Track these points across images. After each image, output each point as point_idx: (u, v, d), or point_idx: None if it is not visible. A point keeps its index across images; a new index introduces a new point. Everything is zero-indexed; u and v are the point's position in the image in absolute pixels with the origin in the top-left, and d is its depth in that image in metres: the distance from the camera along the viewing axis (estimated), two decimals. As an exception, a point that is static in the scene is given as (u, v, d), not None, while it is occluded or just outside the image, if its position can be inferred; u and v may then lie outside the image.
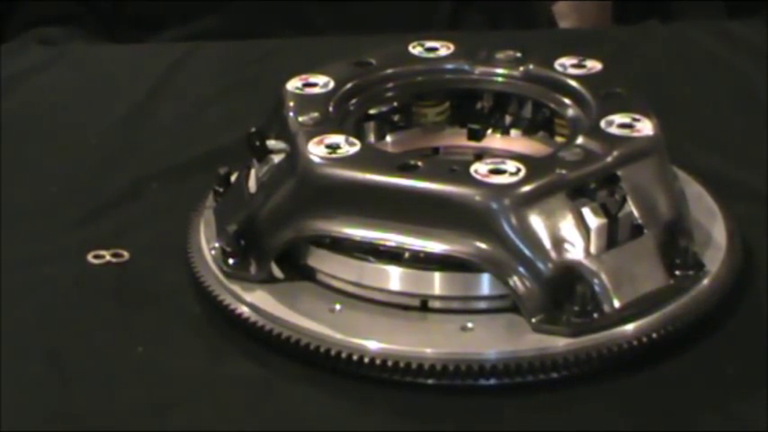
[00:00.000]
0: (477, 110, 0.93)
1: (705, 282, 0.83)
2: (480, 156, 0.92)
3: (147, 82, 1.11)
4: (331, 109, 0.87)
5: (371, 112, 0.92)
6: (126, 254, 0.89)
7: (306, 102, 0.88)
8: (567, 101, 0.90)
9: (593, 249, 0.80)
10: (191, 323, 0.84)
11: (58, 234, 0.92)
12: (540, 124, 0.92)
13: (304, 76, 0.90)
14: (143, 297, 0.86)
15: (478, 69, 0.92)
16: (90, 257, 0.89)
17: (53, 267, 0.89)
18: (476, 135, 0.93)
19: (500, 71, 0.92)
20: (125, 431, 0.76)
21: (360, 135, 0.87)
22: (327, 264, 0.83)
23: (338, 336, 0.80)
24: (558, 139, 0.91)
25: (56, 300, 0.86)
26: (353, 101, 0.90)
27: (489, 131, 0.93)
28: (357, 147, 0.83)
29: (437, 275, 0.81)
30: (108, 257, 0.89)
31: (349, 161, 0.82)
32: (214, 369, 0.81)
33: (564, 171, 0.81)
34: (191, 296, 0.85)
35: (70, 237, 0.92)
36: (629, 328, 0.80)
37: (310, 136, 0.84)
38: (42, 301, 0.86)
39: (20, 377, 0.80)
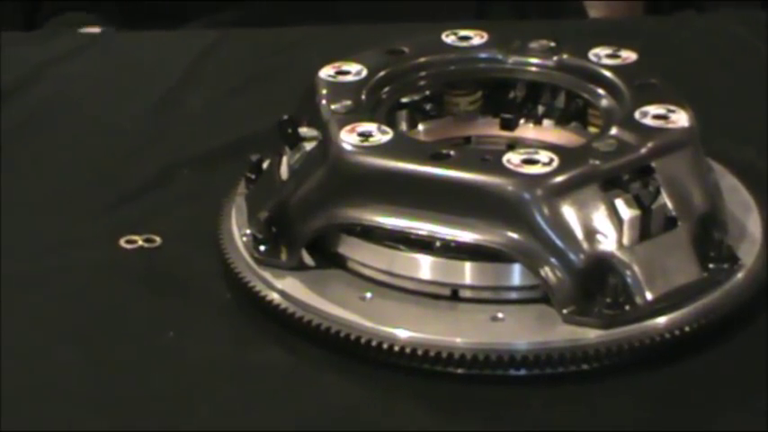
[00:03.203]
0: (509, 99, 0.93)
1: (739, 275, 0.82)
2: (512, 146, 0.91)
3: (178, 69, 1.11)
4: (363, 97, 0.87)
5: (404, 100, 0.92)
6: (158, 239, 0.90)
7: (338, 89, 0.87)
8: (600, 91, 0.89)
9: (625, 241, 0.80)
10: (221, 309, 0.84)
11: (89, 219, 0.93)
12: (573, 114, 0.92)
13: (337, 64, 0.90)
14: (174, 283, 0.86)
15: (512, 59, 0.92)
16: (122, 242, 0.90)
17: (85, 252, 0.89)
18: (508, 125, 0.93)
19: (533, 61, 0.92)
20: (154, 416, 0.77)
21: (392, 123, 0.87)
22: (358, 252, 0.83)
23: (368, 324, 0.80)
24: (592, 130, 0.90)
25: (87, 284, 0.87)
26: (386, 89, 0.90)
27: (522, 121, 0.93)
28: (389, 135, 0.83)
29: (468, 265, 0.81)
30: (140, 243, 0.89)
31: (381, 149, 0.82)
32: (244, 355, 0.81)
33: (597, 162, 0.80)
34: (221, 282, 0.85)
35: (102, 222, 0.92)
36: (661, 321, 0.79)
37: (342, 124, 0.83)
38: (73, 286, 0.86)
39: (50, 362, 0.80)
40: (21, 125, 1.03)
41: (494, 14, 1.29)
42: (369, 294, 0.82)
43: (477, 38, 0.93)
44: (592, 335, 0.78)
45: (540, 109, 0.93)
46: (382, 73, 0.90)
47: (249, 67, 1.11)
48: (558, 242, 0.79)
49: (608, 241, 0.79)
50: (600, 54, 0.91)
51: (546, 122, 0.93)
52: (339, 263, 0.84)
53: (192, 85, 1.08)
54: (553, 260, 0.79)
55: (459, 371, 0.78)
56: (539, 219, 0.78)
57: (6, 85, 1.07)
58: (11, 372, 0.79)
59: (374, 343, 0.79)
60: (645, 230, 0.81)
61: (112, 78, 1.12)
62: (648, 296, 0.79)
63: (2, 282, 0.86)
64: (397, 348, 0.78)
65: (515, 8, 1.31)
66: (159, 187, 0.96)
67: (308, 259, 0.84)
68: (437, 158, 0.81)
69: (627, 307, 0.79)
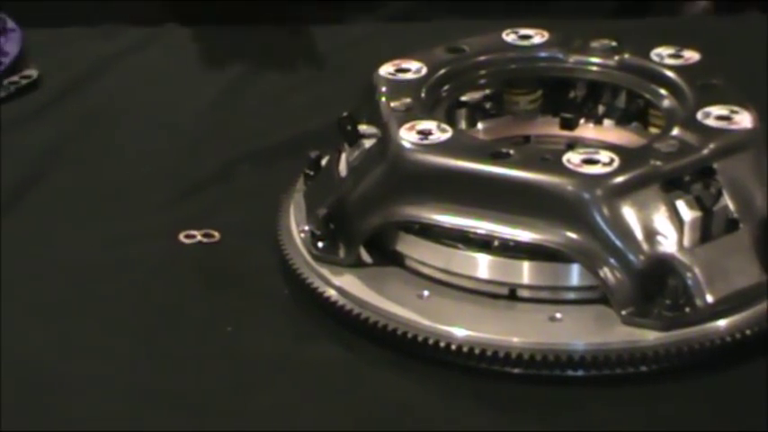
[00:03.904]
0: (569, 99, 0.93)
1: (802, 279, 0.81)
2: (572, 145, 0.91)
3: (240, 65, 1.12)
4: (423, 95, 0.88)
5: (463, 98, 0.92)
6: (217, 234, 0.90)
7: (398, 87, 0.88)
8: (662, 91, 0.89)
9: (686, 243, 0.79)
10: (278, 305, 0.84)
11: (150, 213, 0.93)
12: (634, 114, 0.91)
13: (397, 62, 0.90)
14: (232, 278, 0.87)
15: (572, 58, 0.92)
16: (181, 237, 0.90)
17: (144, 247, 0.90)
18: (568, 124, 0.93)
19: (595, 60, 0.92)
20: (211, 410, 0.77)
21: (451, 122, 0.87)
22: (416, 250, 0.83)
23: (425, 322, 0.80)
24: (652, 131, 0.90)
25: (145, 279, 0.87)
26: (446, 87, 0.90)
27: (582, 121, 0.93)
28: (449, 133, 0.83)
29: (526, 264, 0.81)
30: (199, 237, 0.90)
31: (440, 147, 0.82)
32: (300, 351, 0.81)
33: (658, 162, 0.80)
34: (279, 278, 0.86)
35: (162, 216, 0.93)
36: (722, 323, 0.79)
37: (402, 121, 0.84)
38: (132, 280, 0.87)
39: (109, 354, 0.81)
40: (85, 120, 1.04)
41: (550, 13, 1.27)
42: (426, 292, 0.82)
43: (538, 36, 0.93)
44: (651, 336, 0.78)
45: (601, 109, 0.93)
46: (442, 71, 0.90)
47: (310, 63, 1.11)
48: (618, 243, 0.78)
49: (668, 242, 0.79)
50: (662, 54, 0.91)
51: (606, 122, 0.93)
52: (397, 260, 0.84)
53: (252, 81, 1.08)
54: (612, 261, 0.78)
55: (516, 371, 0.78)
56: (598, 219, 0.78)
57: (70, 81, 1.08)
58: (71, 364, 0.80)
59: (431, 341, 0.79)
60: (706, 232, 0.81)
61: (174, 73, 1.13)
62: (709, 298, 0.78)
63: (61, 275, 0.87)
64: (453, 347, 0.78)
65: (574, 7, 1.29)
66: (219, 183, 0.96)
67: (365, 256, 0.84)
68: (497, 157, 0.81)
69: (687, 309, 0.78)
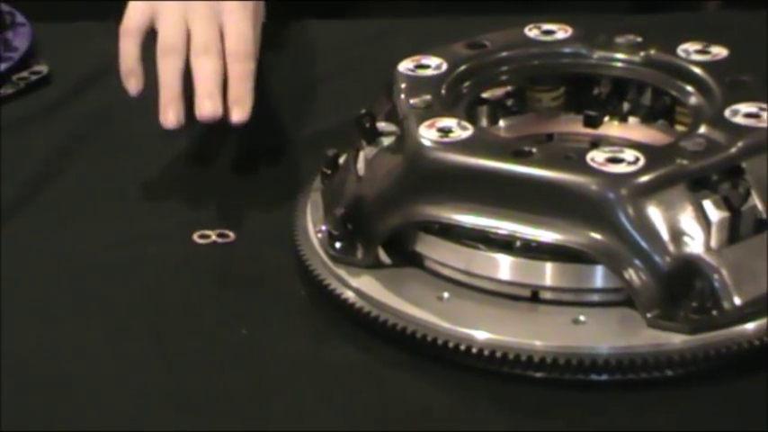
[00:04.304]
0: (593, 96, 0.92)
1: (832, 281, 0.80)
2: (596, 143, 0.90)
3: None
4: (443, 92, 0.87)
5: (485, 95, 0.91)
6: (231, 234, 0.90)
7: (418, 84, 0.87)
8: (689, 88, 0.88)
9: (713, 244, 0.78)
10: (295, 307, 0.84)
11: (163, 213, 0.93)
12: (659, 112, 0.91)
13: (416, 58, 0.89)
14: (247, 279, 0.86)
15: (597, 54, 0.91)
16: (195, 237, 0.89)
17: (157, 246, 0.89)
18: (592, 122, 0.92)
19: (619, 56, 0.91)
20: (225, 414, 0.76)
21: (472, 119, 0.86)
22: (436, 250, 0.82)
23: (445, 324, 0.79)
24: (679, 128, 0.89)
25: (159, 279, 0.87)
26: (466, 84, 0.89)
27: (606, 118, 0.92)
28: (469, 131, 0.82)
29: (549, 266, 0.80)
30: (213, 237, 0.89)
31: (461, 145, 0.81)
32: (317, 354, 0.81)
33: (685, 161, 0.79)
34: (296, 279, 0.85)
35: (176, 216, 0.92)
36: (750, 326, 0.78)
37: (421, 119, 0.83)
38: (146, 281, 0.86)
39: (123, 355, 0.80)
40: (97, 117, 1.03)
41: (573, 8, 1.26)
42: (446, 294, 0.81)
43: (561, 32, 0.93)
44: (677, 340, 0.77)
45: (626, 106, 0.92)
46: (463, 67, 0.89)
47: (327, 59, 1.11)
48: (643, 244, 0.77)
49: (695, 244, 0.78)
50: (689, 49, 0.90)
51: (631, 120, 0.92)
52: (416, 261, 0.83)
53: (270, 77, 1.07)
54: (638, 262, 0.77)
55: (539, 375, 0.77)
56: (623, 219, 0.77)
57: (82, 77, 1.07)
58: (82, 365, 0.80)
59: (451, 344, 0.78)
60: (734, 233, 0.79)
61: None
62: (737, 301, 0.77)
63: (73, 275, 0.87)
64: (474, 350, 0.78)
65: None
66: (234, 181, 0.96)
67: (384, 257, 0.84)
68: (519, 156, 0.80)
69: (714, 312, 0.77)
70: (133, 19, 0.97)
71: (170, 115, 0.93)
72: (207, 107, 0.92)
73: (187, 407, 0.77)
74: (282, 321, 0.83)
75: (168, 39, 0.95)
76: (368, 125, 0.84)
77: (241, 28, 0.96)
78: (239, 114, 0.93)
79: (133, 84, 0.96)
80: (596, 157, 0.79)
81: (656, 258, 0.77)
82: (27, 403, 0.77)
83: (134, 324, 0.83)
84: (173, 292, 0.85)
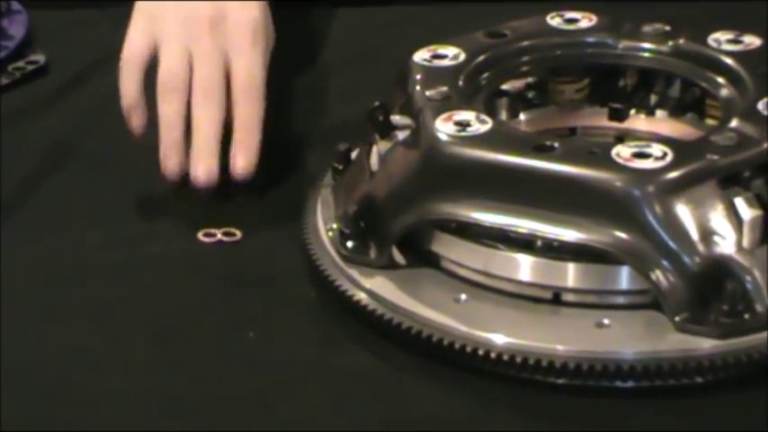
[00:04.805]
0: (619, 88, 0.91)
1: None
2: (622, 138, 0.89)
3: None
4: (461, 83, 0.86)
5: (504, 87, 0.90)
6: (238, 233, 0.89)
7: (434, 75, 0.86)
8: (720, 80, 0.87)
9: (745, 243, 0.77)
10: (304, 309, 0.83)
11: (167, 210, 0.92)
12: (688, 105, 0.89)
13: (432, 48, 0.89)
14: (255, 279, 0.86)
15: (622, 44, 0.90)
16: (200, 235, 0.89)
17: (161, 246, 0.89)
18: (617, 115, 0.91)
19: (646, 46, 0.90)
20: (232, 419, 0.75)
21: (491, 112, 0.86)
22: (453, 250, 0.81)
23: (462, 328, 0.78)
24: (709, 122, 0.88)
25: (163, 280, 0.86)
26: (485, 75, 0.88)
27: (632, 111, 0.91)
28: (488, 125, 0.81)
29: (571, 266, 0.79)
30: (219, 236, 0.89)
31: (479, 140, 0.80)
32: (328, 358, 0.80)
33: (715, 157, 0.78)
34: (305, 280, 0.84)
35: (180, 213, 0.92)
36: (784, 331, 0.78)
37: (438, 112, 0.82)
38: (149, 281, 0.86)
39: (125, 358, 0.80)
40: (96, 109, 1.02)
41: None
42: (463, 296, 0.80)
43: (585, 20, 0.92)
44: (706, 345, 0.76)
45: (653, 98, 0.91)
46: (481, 57, 0.88)
47: (339, 49, 1.10)
48: (671, 243, 0.76)
49: (726, 243, 0.77)
50: (720, 39, 0.89)
51: (659, 113, 0.91)
52: (432, 262, 0.82)
53: (281, 68, 1.06)
54: (665, 263, 0.76)
55: (561, 381, 0.76)
56: (650, 218, 0.76)
57: (80, 67, 1.06)
58: (85, 367, 0.79)
59: (469, 349, 0.77)
60: (767, 232, 0.78)
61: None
62: (770, 304, 0.77)
63: (74, 275, 0.86)
64: (493, 355, 0.77)
65: None
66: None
67: (398, 257, 0.82)
68: (540, 150, 0.79)
69: (746, 315, 0.76)
70: (134, 49, 0.93)
71: (170, 165, 0.89)
72: (201, 172, 0.88)
73: (191, 412, 0.76)
74: (291, 324, 0.82)
75: (169, 77, 0.91)
76: (381, 118, 0.84)
77: (250, 67, 0.92)
78: (243, 165, 0.89)
79: (135, 122, 0.92)
80: (622, 153, 0.78)
81: (685, 259, 0.76)
82: (27, 406, 0.76)
83: (137, 325, 0.82)
84: (177, 293, 0.85)
